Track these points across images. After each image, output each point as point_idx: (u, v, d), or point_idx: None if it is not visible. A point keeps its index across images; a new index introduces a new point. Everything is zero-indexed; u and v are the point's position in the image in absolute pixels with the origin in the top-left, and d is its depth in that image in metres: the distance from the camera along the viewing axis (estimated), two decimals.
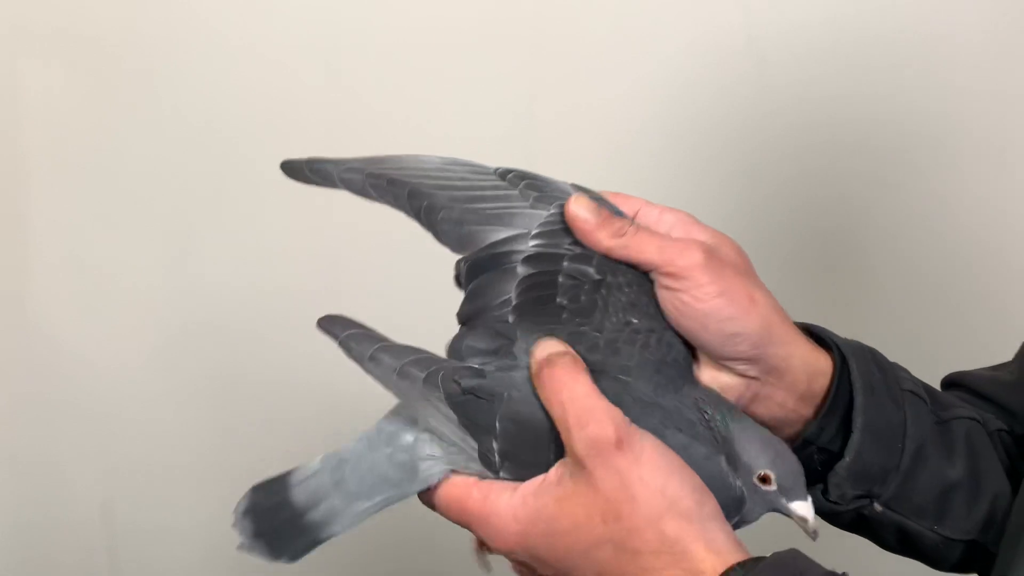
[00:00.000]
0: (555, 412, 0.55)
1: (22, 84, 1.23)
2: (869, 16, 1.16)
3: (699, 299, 0.58)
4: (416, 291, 1.12)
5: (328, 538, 0.57)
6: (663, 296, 0.59)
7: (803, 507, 0.58)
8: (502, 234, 0.60)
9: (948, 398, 0.70)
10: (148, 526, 1.29)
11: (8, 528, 1.29)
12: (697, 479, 0.54)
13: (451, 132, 1.08)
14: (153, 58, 1.22)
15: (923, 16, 1.16)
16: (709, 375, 0.61)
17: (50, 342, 1.28)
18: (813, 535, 0.58)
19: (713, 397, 0.59)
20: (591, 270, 0.59)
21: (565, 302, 0.59)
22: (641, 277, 0.60)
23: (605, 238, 0.60)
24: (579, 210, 0.60)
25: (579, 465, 0.53)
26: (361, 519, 0.57)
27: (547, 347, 0.56)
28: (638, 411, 0.56)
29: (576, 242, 0.60)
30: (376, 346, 0.57)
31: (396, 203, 0.61)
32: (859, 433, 0.62)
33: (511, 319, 0.58)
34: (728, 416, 0.58)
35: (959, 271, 1.18)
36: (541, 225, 0.60)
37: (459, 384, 0.55)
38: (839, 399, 0.63)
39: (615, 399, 0.55)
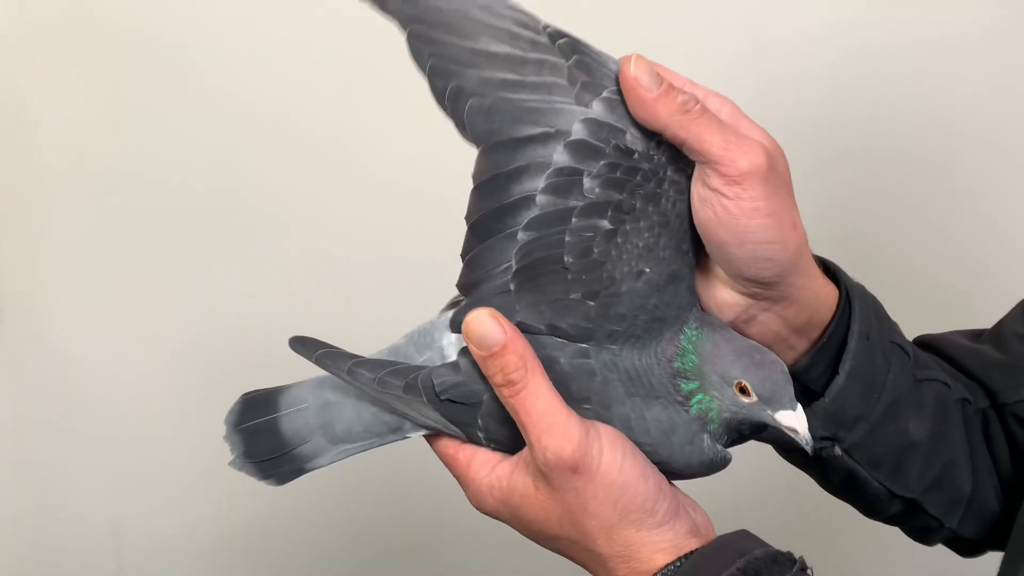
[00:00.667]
0: (519, 425, 0.55)
1: (37, 101, 1.23)
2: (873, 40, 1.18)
3: (746, 212, 0.53)
4: (425, 305, 1.13)
5: (313, 469, 0.61)
6: (704, 196, 0.54)
7: (789, 416, 0.55)
8: (532, 130, 0.54)
9: (926, 358, 0.69)
10: (158, 541, 1.29)
11: (18, 543, 1.29)
12: (651, 484, 0.55)
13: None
14: (168, 75, 1.22)
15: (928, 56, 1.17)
16: (711, 290, 0.59)
17: (63, 357, 1.28)
18: (807, 445, 0.55)
19: (695, 324, 0.56)
20: (603, 222, 0.54)
21: (571, 260, 0.55)
22: (663, 216, 0.55)
23: (665, 111, 0.53)
24: (640, 74, 0.53)
25: (541, 473, 0.55)
26: (345, 456, 0.61)
27: (479, 329, 0.54)
28: (608, 399, 0.56)
29: (606, 165, 0.54)
30: (351, 361, 0.58)
31: (421, 70, 0.54)
32: (844, 377, 0.61)
33: (512, 286, 0.55)
34: (700, 340, 0.56)
35: (958, 276, 1.20)
36: (568, 148, 0.54)
37: (436, 392, 0.57)
38: (834, 339, 0.62)
39: (586, 391, 0.55)
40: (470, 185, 0.55)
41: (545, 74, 0.54)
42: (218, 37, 1.21)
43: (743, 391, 0.55)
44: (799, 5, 1.18)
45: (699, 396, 0.56)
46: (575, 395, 0.56)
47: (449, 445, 0.59)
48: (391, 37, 0.55)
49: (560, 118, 0.54)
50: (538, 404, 0.54)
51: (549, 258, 0.55)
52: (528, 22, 0.55)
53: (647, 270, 0.55)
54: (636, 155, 0.54)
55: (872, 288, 0.66)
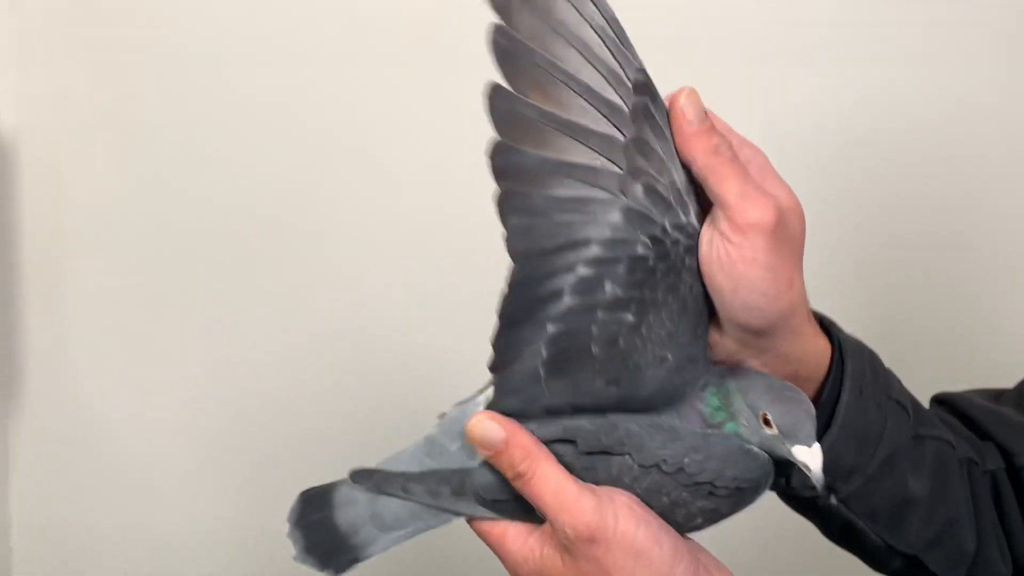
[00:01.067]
0: (537, 509, 0.59)
1: (63, 162, 1.26)
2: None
3: (745, 261, 0.55)
4: (448, 364, 1.14)
5: (368, 558, 0.65)
6: (711, 237, 0.56)
7: (804, 452, 0.56)
8: (565, 240, 0.56)
9: (929, 416, 0.70)
10: None
11: None
12: (666, 548, 0.57)
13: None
14: (189, 141, 1.24)
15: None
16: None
17: (84, 414, 1.29)
18: (818, 483, 0.57)
19: (717, 381, 0.59)
20: (628, 316, 0.57)
21: (598, 350, 0.57)
22: (682, 303, 0.57)
23: (699, 148, 0.55)
24: (688, 108, 0.56)
25: (564, 547, 0.58)
26: (397, 543, 0.64)
27: (481, 433, 0.58)
28: (639, 441, 0.58)
29: (627, 269, 0.56)
30: (403, 480, 0.63)
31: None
32: (836, 429, 0.63)
33: (542, 373, 0.58)
34: (731, 393, 0.58)
35: (980, 337, 1.20)
36: (592, 261, 0.56)
37: (482, 496, 0.62)
38: (832, 394, 0.64)
39: (615, 439, 0.58)
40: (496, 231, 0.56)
41: (604, 147, 0.55)
42: (239, 109, 1.24)
43: (766, 422, 0.57)
44: (807, 73, 1.20)
45: (729, 424, 0.59)
46: (606, 445, 0.58)
47: (483, 523, 0.62)
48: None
49: (593, 228, 0.56)
50: (549, 486, 0.58)
51: (578, 347, 0.57)
52: (616, 75, 0.55)
53: (669, 356, 0.58)
54: (662, 246, 0.56)
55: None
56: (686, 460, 0.58)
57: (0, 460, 1.29)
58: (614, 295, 0.56)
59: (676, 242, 0.56)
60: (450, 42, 1.15)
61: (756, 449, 0.58)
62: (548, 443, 0.59)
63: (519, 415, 0.60)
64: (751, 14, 1.19)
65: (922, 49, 1.18)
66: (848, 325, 0.68)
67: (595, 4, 0.55)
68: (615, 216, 0.55)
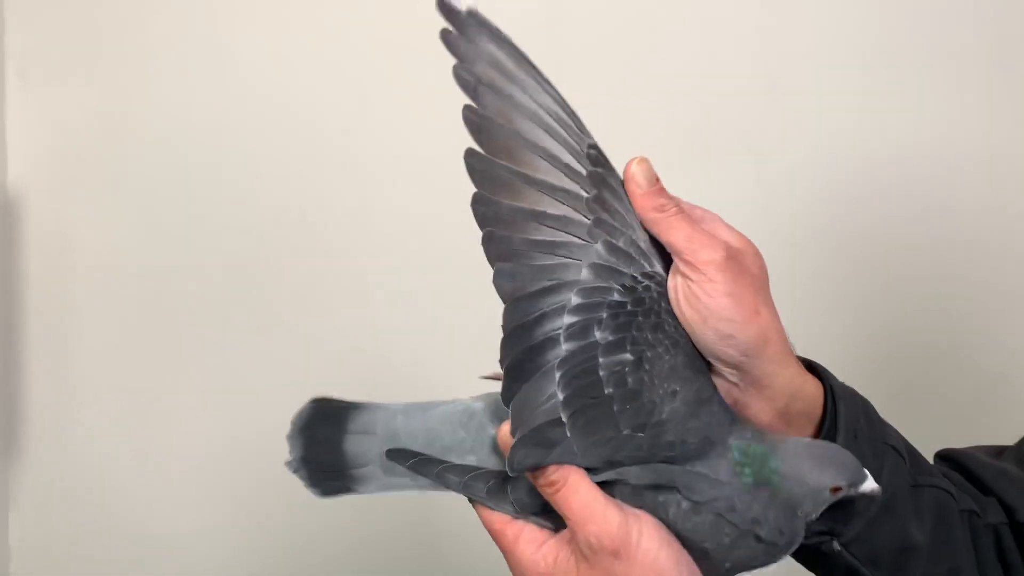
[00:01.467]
0: (564, 518, 0.60)
1: (69, 218, 1.28)
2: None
3: (708, 294, 0.60)
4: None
5: (361, 493, 0.65)
6: (676, 283, 0.61)
7: (870, 485, 0.60)
8: (547, 283, 0.61)
9: (928, 466, 0.71)
10: None
11: None
12: (685, 571, 0.58)
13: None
14: (190, 196, 1.27)
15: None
16: None
17: (87, 467, 1.30)
18: (877, 492, 0.60)
19: (746, 439, 0.60)
20: (627, 355, 0.60)
21: (611, 390, 0.60)
22: (672, 339, 0.61)
23: (647, 207, 0.62)
24: (637, 173, 0.62)
25: (584, 556, 0.59)
26: (392, 491, 0.65)
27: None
28: (691, 482, 0.59)
29: (609, 314, 0.61)
30: (439, 467, 0.64)
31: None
32: None
33: (565, 420, 0.60)
34: (765, 457, 0.60)
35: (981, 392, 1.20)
36: (575, 308, 0.61)
37: (514, 503, 0.62)
38: (827, 439, 0.65)
39: (667, 478, 0.59)
40: None
41: (569, 204, 0.62)
42: (237, 172, 1.26)
43: (836, 490, 0.59)
44: (800, 133, 1.22)
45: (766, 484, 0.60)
46: (655, 480, 0.60)
47: (497, 520, 0.63)
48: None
49: (569, 271, 0.62)
50: (578, 496, 0.59)
51: (593, 386, 0.60)
52: (571, 143, 0.63)
53: (678, 389, 0.60)
54: (635, 292, 0.61)
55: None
56: (737, 502, 0.59)
57: (1, 511, 1.29)
58: (606, 339, 0.60)
59: (648, 288, 0.62)
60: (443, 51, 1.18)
61: (795, 506, 0.60)
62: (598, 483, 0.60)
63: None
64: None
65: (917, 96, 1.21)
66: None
67: (547, 91, 0.63)
68: (585, 273, 0.61)
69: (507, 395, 0.61)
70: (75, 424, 1.29)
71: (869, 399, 0.68)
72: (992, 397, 1.20)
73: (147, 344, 1.29)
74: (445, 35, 0.61)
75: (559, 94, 0.64)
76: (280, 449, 1.23)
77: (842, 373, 0.68)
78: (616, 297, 0.61)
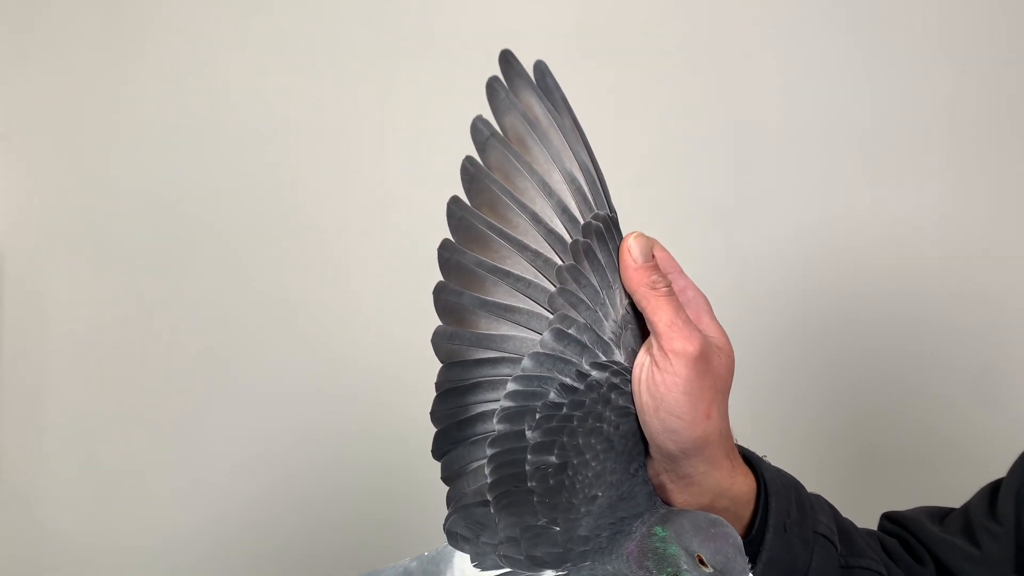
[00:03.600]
0: None
1: (48, 286, 1.29)
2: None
3: (667, 386, 0.60)
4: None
5: None
6: (644, 360, 0.62)
7: None
8: (486, 355, 0.62)
9: (860, 545, 0.73)
10: None
11: None
12: None
13: None
14: (171, 271, 1.28)
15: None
16: None
17: (58, 542, 1.28)
18: None
19: (652, 533, 0.61)
20: (552, 458, 0.61)
21: (534, 484, 0.62)
22: (607, 442, 0.61)
23: (638, 281, 0.62)
24: (634, 247, 0.62)
25: None
26: None
27: None
28: None
29: (544, 416, 0.61)
30: None
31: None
32: (763, 566, 0.66)
33: (490, 499, 0.62)
34: (670, 549, 0.60)
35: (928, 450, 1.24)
36: (519, 380, 0.62)
37: None
38: (759, 532, 0.67)
39: None
40: None
41: (536, 267, 0.62)
42: (222, 219, 1.28)
43: (702, 562, 0.59)
44: (772, 205, 1.26)
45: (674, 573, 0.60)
46: None
47: None
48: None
49: (511, 343, 0.62)
50: None
51: (517, 476, 0.62)
52: (577, 211, 0.63)
53: (599, 494, 0.61)
54: (575, 392, 0.62)
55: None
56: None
57: None
58: (535, 439, 0.62)
59: (592, 385, 0.62)
60: (438, 61, 1.20)
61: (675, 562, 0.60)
62: None
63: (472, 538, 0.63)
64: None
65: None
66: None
67: (574, 152, 0.63)
68: (526, 361, 0.62)
69: (436, 453, 0.63)
70: (43, 494, 1.28)
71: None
72: (942, 459, 1.24)
73: (120, 414, 1.27)
74: (492, 83, 0.61)
75: (591, 159, 0.63)
76: (254, 518, 1.23)
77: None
78: (553, 397, 0.62)
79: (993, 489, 0.78)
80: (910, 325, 1.25)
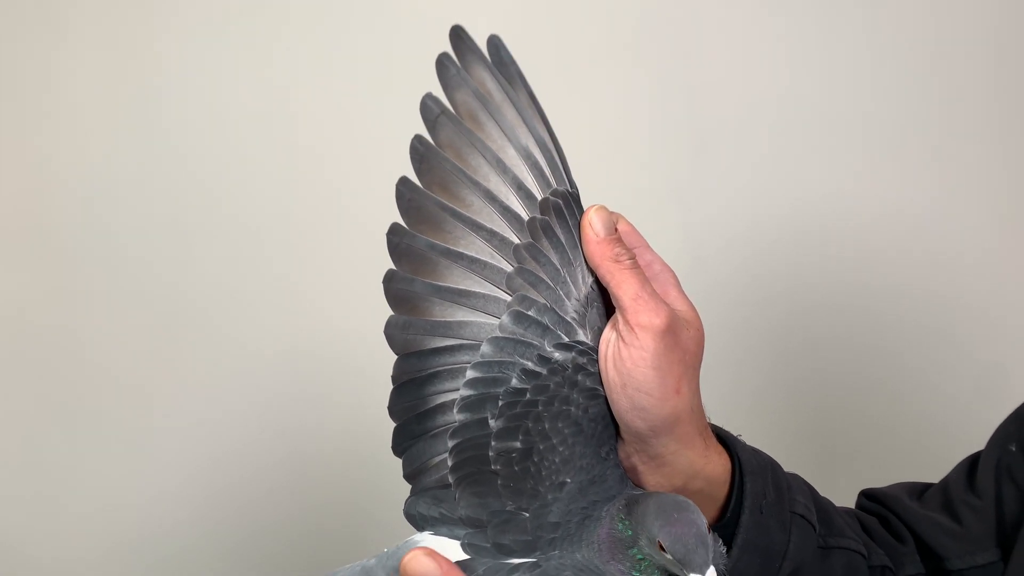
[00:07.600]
0: None
1: None
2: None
3: (634, 361, 0.58)
4: None
5: None
6: (610, 336, 0.60)
7: None
8: (442, 343, 0.60)
9: (839, 524, 0.71)
10: None
11: None
12: None
13: None
14: (113, 254, 1.25)
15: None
16: None
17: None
18: None
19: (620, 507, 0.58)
20: (516, 444, 0.59)
21: (498, 468, 0.59)
22: (576, 426, 0.59)
23: (601, 255, 0.59)
24: (595, 220, 0.60)
25: None
26: None
27: (417, 569, 0.56)
28: None
29: (506, 403, 0.59)
30: None
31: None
32: (738, 549, 0.64)
33: (452, 481, 0.60)
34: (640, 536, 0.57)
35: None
36: (478, 367, 0.60)
37: None
38: (734, 513, 0.65)
39: None
40: None
41: (491, 247, 0.60)
42: (172, 217, 1.25)
43: (663, 549, 0.56)
44: (732, 185, 1.26)
45: (640, 558, 0.57)
46: None
47: None
48: None
49: (468, 329, 0.60)
50: None
51: (480, 459, 0.60)
52: (535, 188, 0.60)
53: (568, 480, 0.59)
54: (539, 377, 0.59)
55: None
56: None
57: None
58: (499, 426, 0.60)
59: (556, 369, 0.60)
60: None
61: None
62: None
63: (438, 522, 0.61)
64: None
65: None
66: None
67: (529, 128, 0.61)
68: (485, 347, 0.60)
69: (397, 450, 0.61)
70: None
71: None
72: (928, 436, 1.23)
73: (61, 412, 1.25)
74: (442, 59, 0.59)
75: (549, 134, 0.61)
76: (198, 529, 1.21)
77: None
78: (515, 383, 0.60)
79: (972, 463, 0.77)
80: (878, 295, 1.25)
